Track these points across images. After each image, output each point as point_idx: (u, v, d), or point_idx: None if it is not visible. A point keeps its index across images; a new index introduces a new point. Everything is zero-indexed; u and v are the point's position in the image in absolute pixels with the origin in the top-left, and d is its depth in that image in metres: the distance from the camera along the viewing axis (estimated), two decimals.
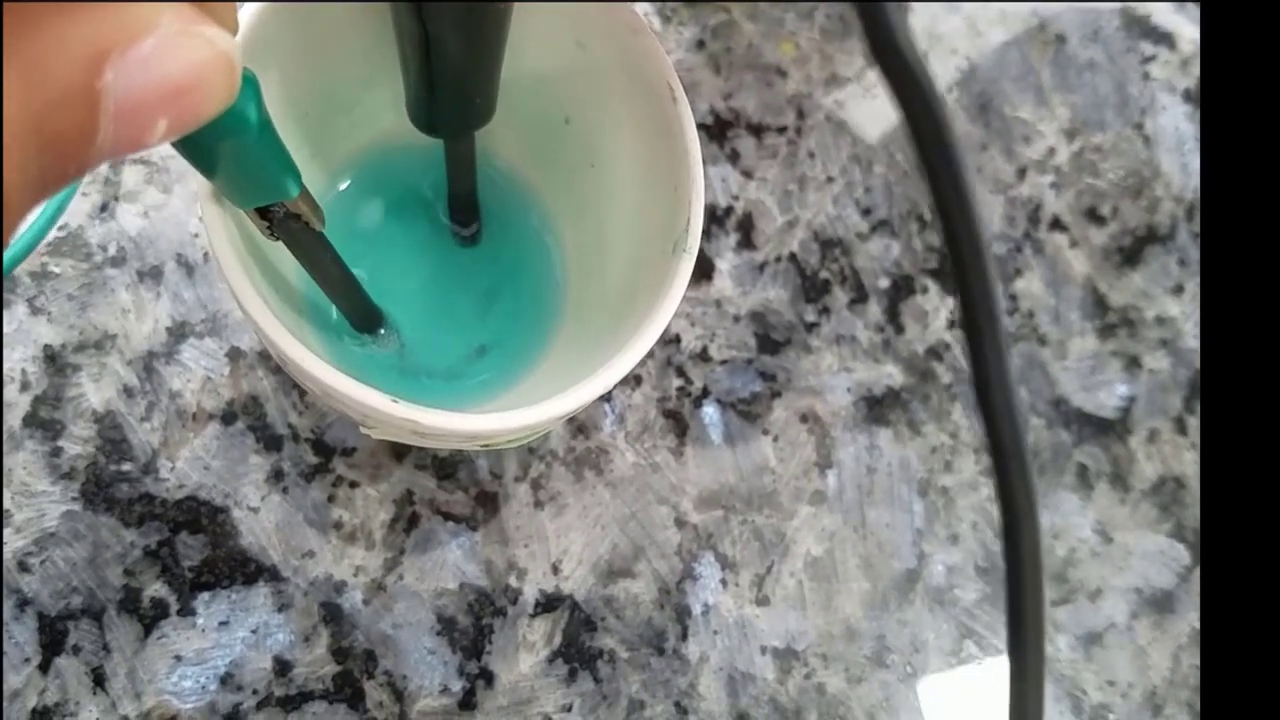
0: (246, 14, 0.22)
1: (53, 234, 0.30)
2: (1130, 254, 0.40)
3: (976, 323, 0.13)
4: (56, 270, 0.30)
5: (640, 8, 0.38)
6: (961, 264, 0.12)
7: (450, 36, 0.21)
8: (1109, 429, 0.38)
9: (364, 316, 0.28)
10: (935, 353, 0.36)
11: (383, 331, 0.29)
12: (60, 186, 0.12)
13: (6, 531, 0.28)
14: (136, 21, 0.12)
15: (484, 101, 0.24)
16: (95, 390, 0.29)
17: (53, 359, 0.29)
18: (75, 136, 0.12)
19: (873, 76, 0.39)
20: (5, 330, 0.29)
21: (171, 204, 0.32)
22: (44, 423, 0.29)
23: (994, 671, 0.34)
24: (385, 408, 0.22)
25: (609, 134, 0.28)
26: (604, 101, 0.27)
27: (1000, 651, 0.34)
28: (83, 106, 0.11)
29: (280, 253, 0.24)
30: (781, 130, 0.38)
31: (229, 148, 0.18)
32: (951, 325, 0.37)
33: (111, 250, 0.31)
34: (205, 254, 0.31)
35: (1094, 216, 0.40)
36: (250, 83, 0.17)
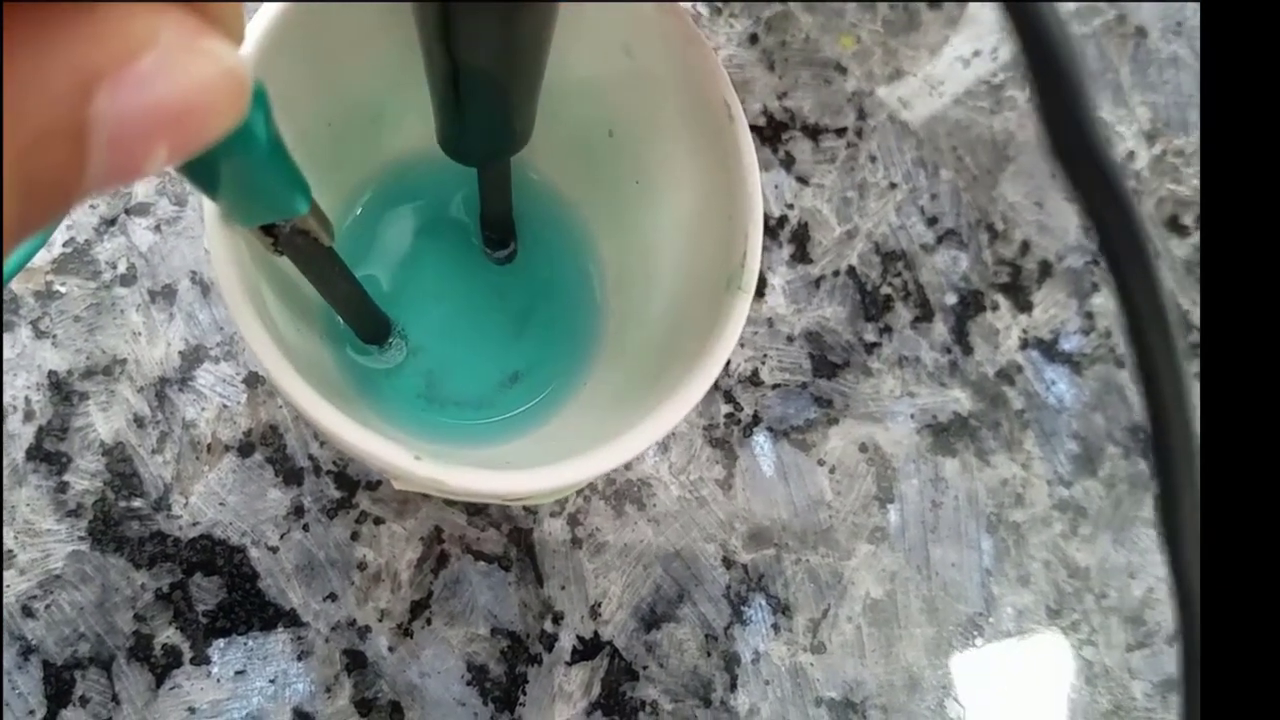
0: (263, 15, 0.20)
1: (58, 250, 0.28)
2: None
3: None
4: (62, 289, 0.28)
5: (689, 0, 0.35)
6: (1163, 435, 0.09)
7: (484, 68, 0.18)
8: None
9: (372, 329, 0.26)
10: (1006, 375, 0.34)
11: (391, 340, 0.27)
12: (42, 226, 0.11)
13: (9, 574, 0.26)
14: (132, 37, 0.10)
15: (521, 126, 0.22)
16: (104, 420, 0.28)
17: (58, 386, 0.27)
18: (61, 172, 0.10)
19: (939, 71, 0.36)
20: (7, 355, 0.27)
21: (186, 216, 0.29)
22: (49, 456, 0.27)
23: None
24: (407, 465, 0.20)
25: (657, 150, 0.25)
26: (652, 115, 0.25)
27: (1071, 700, 0.32)
28: (70, 138, 0.10)
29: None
30: (840, 132, 0.35)
31: (234, 166, 0.16)
32: (1024, 345, 0.34)
33: (121, 268, 0.29)
34: None
35: (1176, 226, 0.37)
36: (259, 96, 0.15)
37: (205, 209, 0.19)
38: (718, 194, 0.23)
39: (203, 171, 0.16)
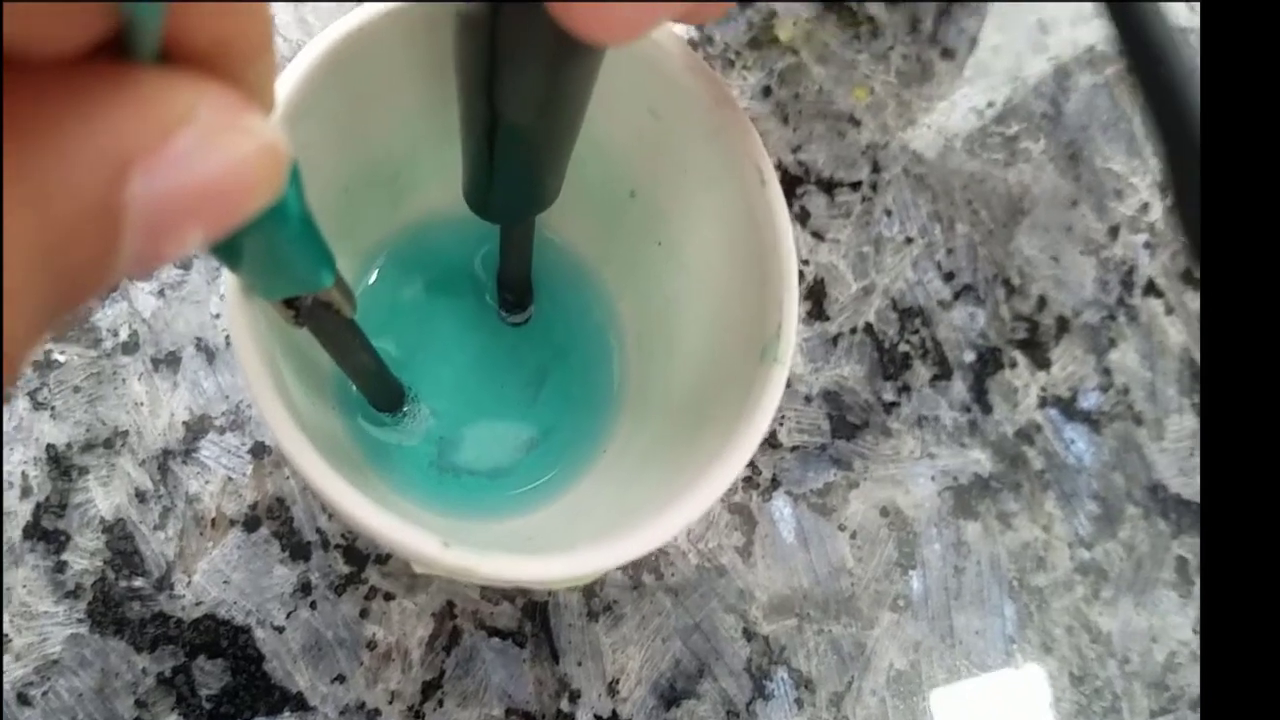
0: (286, 81, 0.19)
1: None
2: None
3: None
4: (61, 359, 0.27)
5: (702, 47, 0.34)
6: None
7: (523, 122, 0.18)
8: None
9: (387, 398, 0.25)
10: (1026, 435, 0.33)
11: (405, 409, 0.26)
12: (69, 313, 0.10)
13: (5, 659, 0.25)
14: (169, 115, 0.09)
15: (553, 184, 0.21)
16: (104, 495, 0.26)
17: (57, 461, 0.26)
18: (92, 259, 0.09)
19: (953, 123, 0.36)
20: (5, 428, 0.26)
21: (190, 280, 0.28)
22: (47, 534, 0.26)
23: None
24: (435, 553, 0.19)
25: (681, 211, 0.25)
26: (677, 176, 0.24)
27: None
28: (102, 225, 0.09)
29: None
30: (855, 186, 0.34)
31: (262, 240, 0.15)
32: (1043, 404, 0.33)
33: (123, 335, 0.28)
34: (228, 338, 0.28)
35: (1191, 280, 0.36)
36: (292, 170, 0.14)
37: (226, 280, 0.18)
38: (748, 259, 0.22)
39: (228, 246, 0.15)
